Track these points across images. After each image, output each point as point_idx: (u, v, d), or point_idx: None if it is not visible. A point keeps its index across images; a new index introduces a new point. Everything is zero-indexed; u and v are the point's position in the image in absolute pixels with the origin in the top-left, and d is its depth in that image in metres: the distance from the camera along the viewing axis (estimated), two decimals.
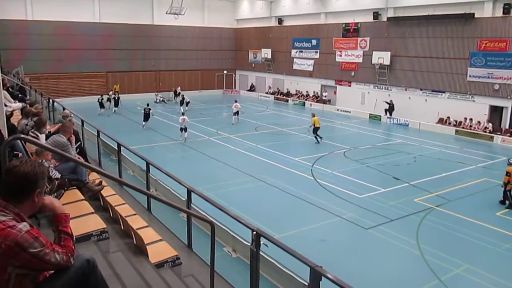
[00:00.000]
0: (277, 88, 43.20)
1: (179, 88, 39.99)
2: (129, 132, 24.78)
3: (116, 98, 33.67)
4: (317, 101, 38.20)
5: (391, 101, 31.36)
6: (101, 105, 32.06)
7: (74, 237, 2.69)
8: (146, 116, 27.09)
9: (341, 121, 31.42)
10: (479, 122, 27.00)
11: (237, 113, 29.18)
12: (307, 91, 39.94)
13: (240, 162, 19.59)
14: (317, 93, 38.87)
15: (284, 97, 41.46)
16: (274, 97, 42.42)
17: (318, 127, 24.11)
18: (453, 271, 10.23)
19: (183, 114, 25.23)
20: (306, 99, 39.38)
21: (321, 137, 24.10)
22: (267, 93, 43.96)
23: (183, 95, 35.18)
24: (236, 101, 30.00)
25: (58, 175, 6.04)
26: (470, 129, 27.05)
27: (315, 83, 39.00)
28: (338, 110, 35.60)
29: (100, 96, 33.05)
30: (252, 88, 46.34)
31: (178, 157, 20.39)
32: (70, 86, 38.47)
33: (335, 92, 37.26)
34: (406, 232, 12.34)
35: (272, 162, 19.51)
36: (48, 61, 36.58)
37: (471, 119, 27.34)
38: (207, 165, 19.10)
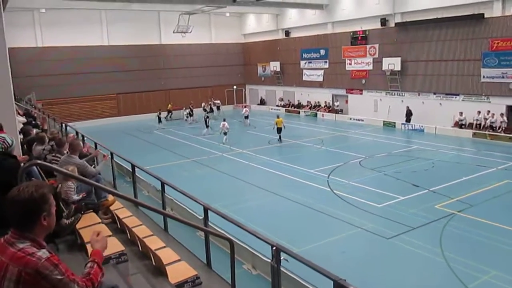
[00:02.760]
0: (288, 100, 43.28)
1: (217, 101, 40.41)
2: (142, 153, 24.99)
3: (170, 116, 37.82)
4: (329, 111, 38.15)
5: (407, 107, 31.07)
6: (159, 120, 35.72)
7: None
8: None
9: (354, 130, 31.29)
10: (493, 114, 26.74)
11: (247, 116, 30.01)
12: (318, 102, 39.94)
13: (255, 177, 19.55)
14: (329, 103, 38.83)
15: (296, 108, 41.55)
16: (285, 109, 42.49)
17: (280, 128, 27.08)
18: (481, 278, 9.98)
19: (224, 120, 28.54)
20: (318, 110, 39.37)
21: (280, 139, 27.03)
22: (277, 105, 44.10)
23: (217, 105, 37.58)
24: (245, 106, 31.67)
25: (78, 197, 6.09)
26: (486, 126, 26.67)
27: (326, 93, 38.99)
28: (350, 119, 35.48)
29: (158, 111, 36.47)
30: (263, 102, 46.57)
31: (192, 175, 20.43)
32: (82, 109, 39.09)
33: (346, 101, 37.16)
34: (429, 240, 12.13)
35: (288, 176, 19.44)
36: (60, 86, 37.24)
37: (488, 112, 27.00)
38: (222, 182, 19.11)
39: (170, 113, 39.46)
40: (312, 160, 22.66)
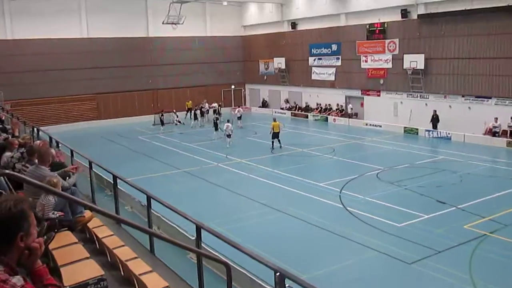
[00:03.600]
0: (294, 102, 43.43)
1: (214, 104, 40.46)
2: (125, 162, 25.02)
3: (193, 113, 38.48)
4: (342, 115, 38.25)
5: (434, 111, 31.04)
6: (195, 117, 37.82)
7: None
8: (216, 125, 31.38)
9: (371, 137, 31.36)
10: None
11: (240, 117, 30.36)
12: (329, 104, 40.07)
13: (255, 191, 19.57)
14: (341, 106, 38.93)
15: (303, 112, 41.66)
16: (291, 113, 42.58)
17: (278, 132, 27.50)
18: None
19: (228, 121, 29.57)
20: (328, 114, 39.44)
21: (280, 145, 27.46)
22: (282, 108, 44.19)
23: (213, 109, 38.25)
24: (239, 106, 32.62)
25: (55, 215, 6.10)
26: None
27: (338, 95, 39.11)
28: (366, 124, 35.57)
29: (160, 112, 37.23)
30: (265, 104, 46.72)
31: (183, 188, 20.45)
32: (57, 112, 39.15)
33: (362, 104, 37.29)
34: (457, 265, 12.09)
35: (293, 189, 19.46)
36: (31, 84, 37.29)
37: None
38: (218, 196, 19.14)
39: (189, 112, 40.03)
40: (321, 172, 22.66)
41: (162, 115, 36.62)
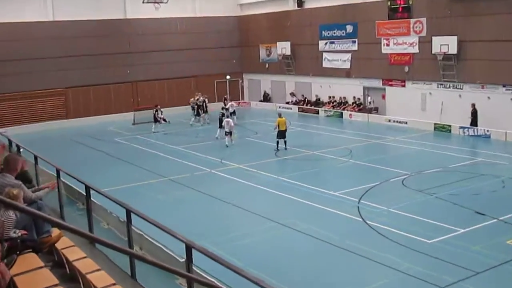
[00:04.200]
0: (302, 96, 43.43)
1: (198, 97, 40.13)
2: (100, 169, 25.01)
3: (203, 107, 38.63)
4: (359, 110, 38.28)
5: (472, 105, 30.83)
6: (197, 113, 38.24)
7: None
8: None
9: (394, 136, 31.37)
10: None
11: (234, 112, 32.41)
12: (344, 97, 40.10)
13: (256, 203, 19.55)
14: (359, 99, 38.97)
15: (313, 107, 41.72)
16: (299, 108, 42.60)
17: (285, 130, 27.76)
18: None
19: (227, 116, 30.65)
20: (343, 108, 39.44)
21: (286, 147, 27.71)
22: (288, 103, 44.17)
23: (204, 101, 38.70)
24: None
25: (17, 234, 6.09)
26: None
27: (355, 85, 39.12)
28: (389, 121, 35.58)
29: (155, 107, 36.99)
30: (267, 97, 46.70)
31: (170, 200, 20.44)
32: (17, 110, 39.11)
33: (383, 96, 37.32)
34: None
35: (302, 200, 19.44)
36: None
37: None
38: (212, 209, 19.13)
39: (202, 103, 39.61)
40: (336, 179, 22.68)
41: (157, 111, 36.67)
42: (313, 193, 20.29)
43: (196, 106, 38.58)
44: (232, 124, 30.12)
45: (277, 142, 27.84)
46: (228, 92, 45.13)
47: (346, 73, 39.55)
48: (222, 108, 36.89)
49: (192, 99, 40.01)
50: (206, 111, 39.02)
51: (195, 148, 29.46)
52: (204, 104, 38.90)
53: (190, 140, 32.15)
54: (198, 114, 38.57)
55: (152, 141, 32.75)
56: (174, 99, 43.59)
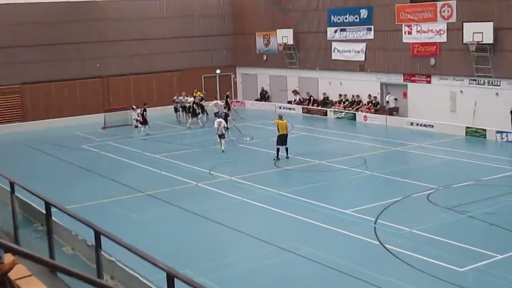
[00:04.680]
0: (308, 94, 43.41)
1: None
2: (63, 183, 24.96)
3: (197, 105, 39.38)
4: (376, 111, 38.31)
5: None
6: (193, 113, 38.80)
7: None
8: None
9: (418, 143, 31.34)
10: None
11: (218, 113, 33.16)
12: (357, 96, 40.13)
13: (252, 223, 19.53)
14: (375, 97, 39.02)
15: (320, 107, 41.72)
16: (303, 108, 42.62)
17: (286, 135, 27.65)
18: None
19: (220, 116, 31.71)
20: (357, 109, 39.46)
21: (287, 155, 27.68)
22: (290, 102, 44.23)
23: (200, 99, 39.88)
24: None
25: None
26: None
27: (370, 81, 39.15)
28: (412, 124, 35.61)
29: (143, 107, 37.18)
30: (265, 96, 46.68)
31: (147, 220, 20.40)
32: None
33: (405, 95, 37.38)
34: None
35: (307, 219, 19.36)
36: None
37: None
38: (198, 231, 19.05)
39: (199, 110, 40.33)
40: (348, 194, 22.67)
41: (145, 110, 37.03)
42: (320, 211, 20.23)
43: (192, 105, 38.82)
44: (226, 125, 30.72)
45: (277, 150, 27.73)
46: (218, 88, 45.17)
47: (360, 67, 39.60)
48: (224, 108, 37.32)
49: (175, 97, 40.04)
50: (204, 111, 39.42)
51: (179, 157, 29.46)
52: (201, 103, 39.27)
53: (172, 147, 32.18)
54: (194, 115, 38.75)
55: (126, 148, 32.73)
56: (154, 97, 43.54)
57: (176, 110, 40.19)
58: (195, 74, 46.34)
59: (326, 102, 41.98)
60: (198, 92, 41.69)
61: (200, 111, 39.09)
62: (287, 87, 45.15)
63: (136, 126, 38.02)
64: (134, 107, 39.26)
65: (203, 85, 46.28)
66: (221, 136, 29.85)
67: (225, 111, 35.64)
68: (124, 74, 43.86)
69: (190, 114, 38.89)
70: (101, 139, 35.82)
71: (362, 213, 19.69)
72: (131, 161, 29.46)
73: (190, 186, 24.30)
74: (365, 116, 38.39)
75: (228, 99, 41.56)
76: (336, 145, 32.07)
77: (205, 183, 24.60)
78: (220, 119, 30.63)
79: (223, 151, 29.62)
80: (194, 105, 38.94)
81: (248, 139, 32.57)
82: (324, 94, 42.39)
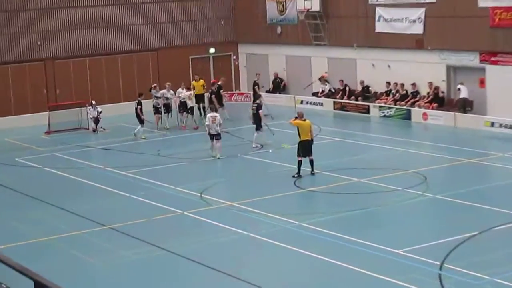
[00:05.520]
0: (341, 82, 43.53)
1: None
2: None
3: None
4: (440, 106, 38.31)
5: None
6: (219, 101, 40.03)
7: None
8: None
9: (502, 152, 31.36)
10: None
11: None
12: (413, 84, 40.09)
13: (262, 269, 19.40)
14: (438, 87, 38.90)
15: (358, 101, 41.83)
16: (335, 102, 42.73)
17: (309, 142, 27.74)
18: None
19: (215, 109, 33.21)
20: (413, 103, 39.51)
21: (312, 171, 27.80)
22: (316, 94, 44.42)
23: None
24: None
25: None
26: None
27: (432, 64, 39.18)
28: (492, 124, 35.58)
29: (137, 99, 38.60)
30: (279, 85, 46.70)
31: (112, 266, 20.08)
32: None
33: (481, 82, 37.34)
34: None
35: (341, 263, 19.05)
36: None
37: None
38: (185, 281, 18.84)
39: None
40: (401, 227, 22.37)
41: (140, 103, 37.56)
42: (361, 251, 19.84)
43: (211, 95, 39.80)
44: (221, 120, 31.14)
45: (298, 163, 27.52)
46: (212, 74, 45.28)
47: (417, 43, 39.63)
48: (255, 101, 37.09)
49: (154, 90, 40.03)
50: (222, 103, 40.24)
51: (157, 174, 29.54)
52: (218, 92, 40.10)
53: (147, 159, 32.40)
54: (221, 104, 39.79)
55: (81, 162, 32.85)
56: (119, 88, 44.07)
57: (157, 110, 39.79)
58: (179, 55, 46.83)
59: (367, 93, 42.20)
60: (201, 80, 42.28)
61: (219, 103, 39.54)
62: (311, 73, 45.28)
63: (95, 130, 38.22)
64: (94, 102, 39.41)
65: (190, 70, 46.73)
66: (215, 137, 30.23)
67: (256, 103, 35.45)
68: (76, 55, 44.20)
69: (186, 112, 39.27)
70: (45, 148, 35.97)
71: (422, 255, 19.27)
72: (88, 180, 29.38)
73: (174, 216, 24.10)
74: (424, 114, 38.39)
75: (257, 87, 41.88)
76: (382, 156, 32.01)
77: (195, 211, 24.34)
78: (214, 113, 31.00)
79: (218, 158, 30.00)
80: (212, 96, 39.80)
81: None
82: (362, 83, 42.51)
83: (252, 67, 48.68)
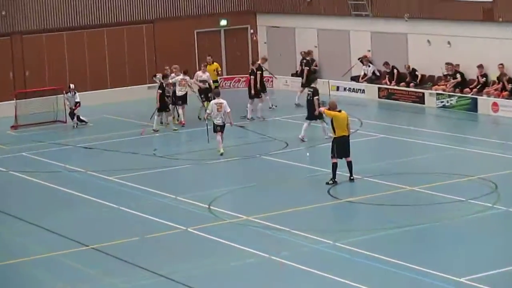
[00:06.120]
0: (387, 65, 43.72)
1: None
2: None
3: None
4: None
5: None
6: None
7: None
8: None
9: None
10: None
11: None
12: (480, 67, 40.04)
13: None
14: None
15: (410, 88, 42.01)
16: (380, 89, 43.07)
17: (346, 138, 27.97)
18: None
19: (214, 96, 34.07)
20: (479, 91, 39.54)
21: (351, 176, 28.06)
22: (356, 79, 44.76)
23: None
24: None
25: None
26: None
27: (504, 40, 39.22)
28: None
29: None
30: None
31: None
32: None
33: None
34: None
35: None
36: None
37: None
38: None
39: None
40: (465, 249, 22.14)
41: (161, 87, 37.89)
42: (411, 278, 19.68)
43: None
44: (228, 110, 31.50)
45: (333, 166, 27.53)
46: (224, 54, 45.40)
47: (485, 14, 39.63)
48: (309, 84, 37.07)
49: (158, 75, 40.18)
50: (264, 89, 40.86)
51: (152, 179, 29.69)
52: (260, 74, 40.46)
53: (140, 161, 32.60)
54: (263, 89, 40.45)
55: (56, 164, 32.97)
56: (105, 72, 44.32)
57: (163, 100, 39.71)
58: (181, 29, 47.27)
59: (420, 80, 42.46)
60: (215, 63, 42.72)
61: (261, 88, 40.23)
62: (350, 52, 45.37)
63: (75, 125, 38.26)
64: (72, 86, 39.52)
65: (196, 46, 46.73)
66: (220, 129, 30.98)
67: (311, 88, 35.55)
68: (51, 29, 44.63)
69: (202, 100, 39.81)
70: (11, 147, 36.35)
71: (490, 284, 18.90)
72: (65, 188, 29.47)
73: (174, 233, 24.09)
74: (494, 104, 38.46)
75: (260, 73, 41.82)
76: (440, 157, 32.01)
77: (201, 227, 24.36)
78: (222, 100, 31.54)
79: (221, 154, 30.61)
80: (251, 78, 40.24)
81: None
82: (408, 68, 42.57)
83: (275, 43, 49.16)
